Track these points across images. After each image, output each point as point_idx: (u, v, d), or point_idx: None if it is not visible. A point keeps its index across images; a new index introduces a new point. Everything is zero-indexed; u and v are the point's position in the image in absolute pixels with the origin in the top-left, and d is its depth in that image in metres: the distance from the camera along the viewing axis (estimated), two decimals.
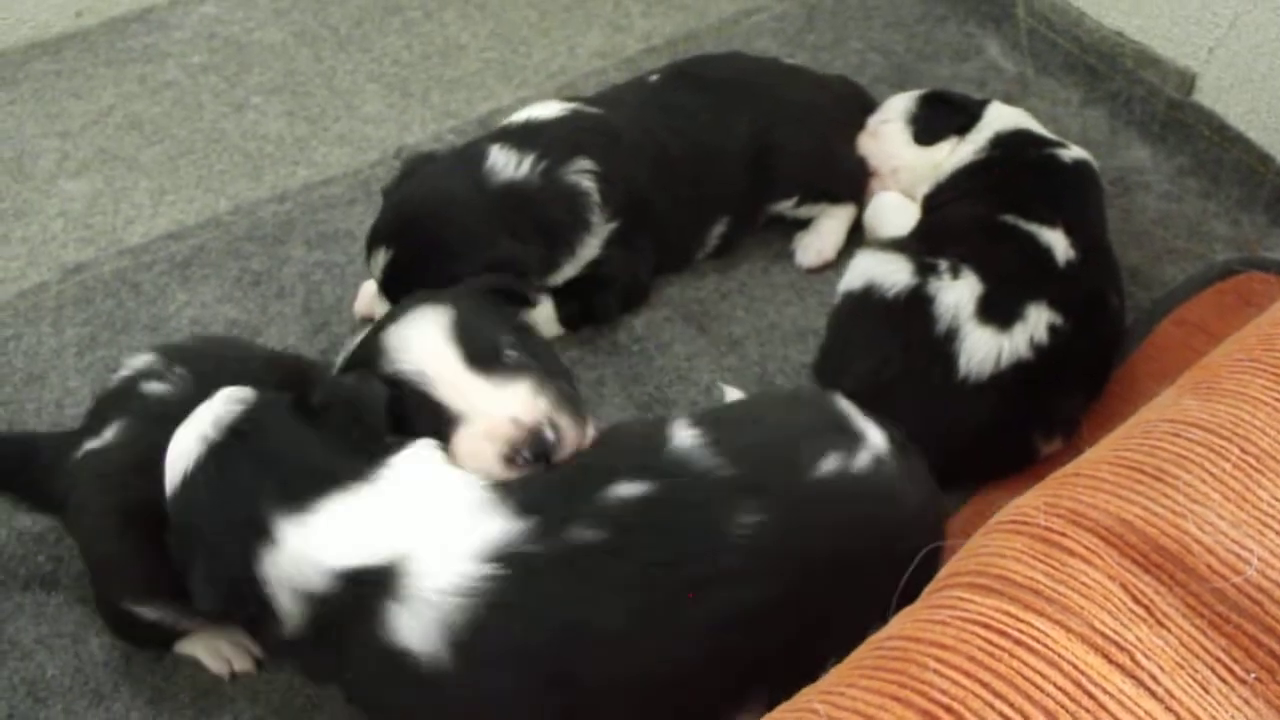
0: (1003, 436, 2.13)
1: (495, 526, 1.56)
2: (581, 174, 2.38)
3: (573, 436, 1.72)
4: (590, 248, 2.43)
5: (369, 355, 1.79)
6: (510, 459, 1.69)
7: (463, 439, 1.70)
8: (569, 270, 2.44)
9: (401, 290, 2.32)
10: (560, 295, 2.50)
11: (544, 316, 2.51)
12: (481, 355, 1.75)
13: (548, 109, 2.49)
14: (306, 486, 1.56)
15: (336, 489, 1.56)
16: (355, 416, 1.64)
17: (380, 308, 2.43)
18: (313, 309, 2.66)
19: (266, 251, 2.80)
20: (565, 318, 2.52)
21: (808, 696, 1.14)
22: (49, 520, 2.19)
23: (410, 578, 1.51)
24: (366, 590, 1.51)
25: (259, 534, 1.53)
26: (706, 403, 2.38)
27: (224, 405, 1.65)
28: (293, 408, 1.65)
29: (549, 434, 1.69)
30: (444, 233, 2.31)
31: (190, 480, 1.60)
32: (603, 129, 2.45)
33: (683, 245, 2.64)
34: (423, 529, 1.55)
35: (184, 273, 2.74)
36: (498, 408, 1.71)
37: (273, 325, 2.62)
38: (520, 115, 2.50)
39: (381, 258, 2.33)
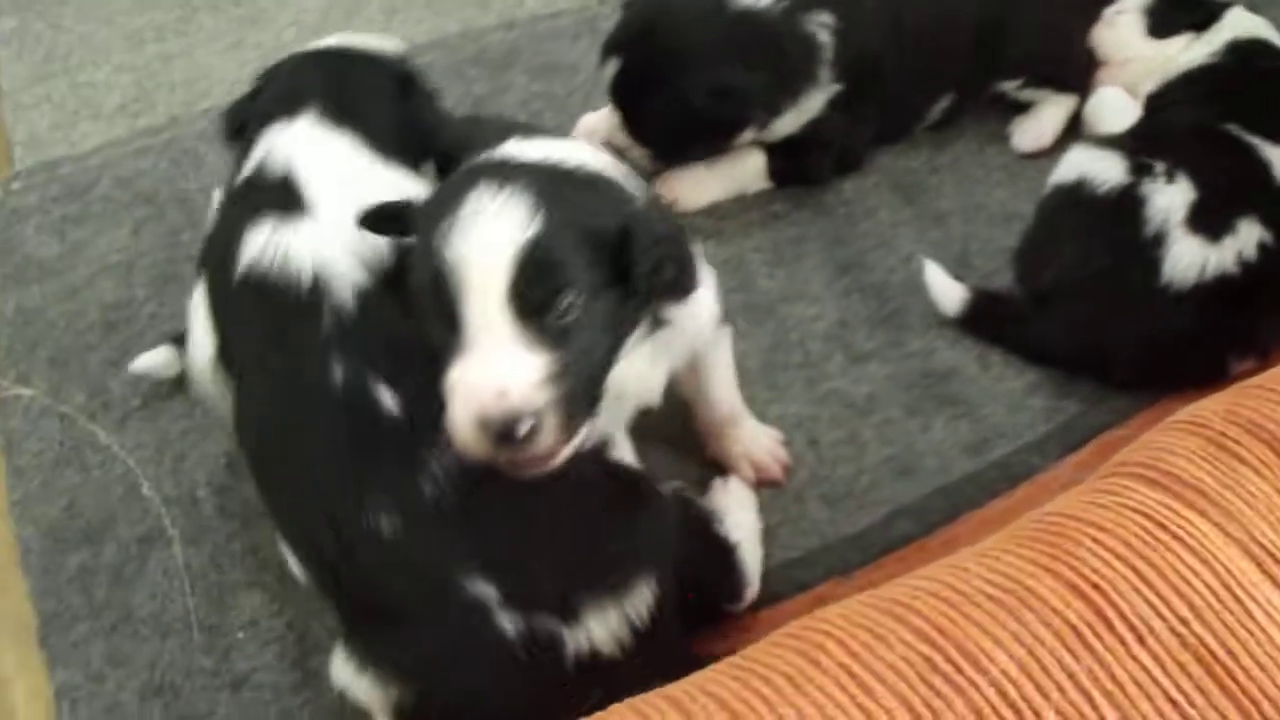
0: (1196, 349, 2.10)
1: None
2: (821, 26, 2.38)
3: (549, 444, 1.46)
4: (814, 102, 2.44)
5: (433, 204, 1.54)
6: (479, 425, 1.43)
7: (452, 379, 1.45)
8: (789, 122, 2.45)
9: (628, 101, 2.43)
10: (774, 149, 2.51)
11: (754, 169, 2.54)
12: (532, 299, 1.45)
13: None
14: None
15: None
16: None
17: (611, 118, 2.51)
18: None
19: (490, 76, 2.86)
20: (775, 172, 2.54)
21: (965, 556, 1.18)
22: None
23: None
24: None
25: None
26: (904, 273, 2.39)
27: None
28: None
29: (522, 428, 1.43)
30: (674, 47, 2.36)
31: None
32: None
33: (905, 116, 2.64)
34: None
35: None
36: (498, 367, 1.44)
37: None
38: None
39: (612, 66, 2.41)
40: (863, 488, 2.08)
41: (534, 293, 1.44)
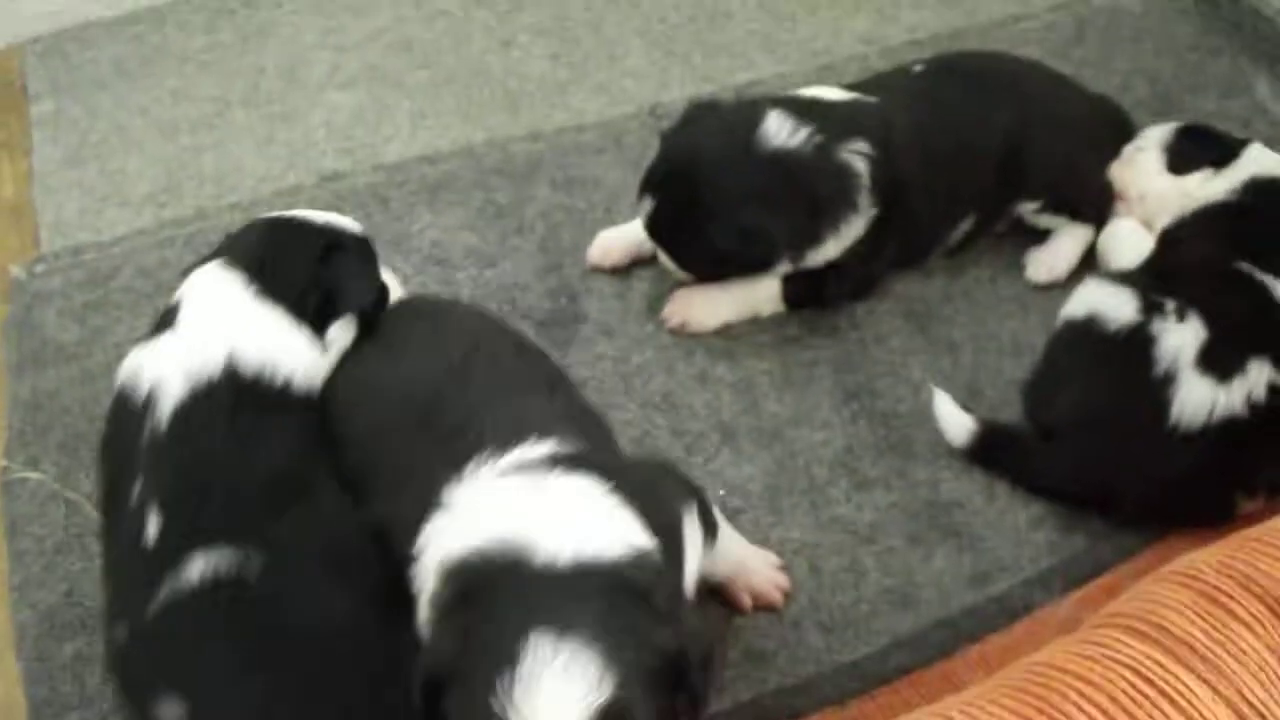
0: (1203, 490, 2.10)
1: None
2: (856, 155, 2.42)
3: None
4: (855, 228, 2.46)
5: (478, 659, 1.38)
6: None
7: None
8: (832, 249, 2.47)
9: (664, 239, 2.48)
10: (789, 276, 2.53)
11: (768, 292, 2.55)
12: None
13: (829, 92, 2.55)
14: None
15: None
16: None
17: (621, 251, 2.60)
18: (549, 248, 2.74)
19: (513, 186, 2.89)
20: (790, 296, 2.56)
21: (949, 704, 1.18)
22: None
23: None
24: None
25: None
26: (913, 402, 2.40)
27: None
28: None
29: None
30: (703, 191, 2.39)
31: None
32: (881, 119, 2.48)
33: (929, 240, 2.66)
34: None
35: (432, 195, 2.86)
36: None
37: (508, 259, 2.71)
38: (806, 91, 2.55)
39: (647, 204, 2.45)
40: (861, 616, 2.07)
41: None
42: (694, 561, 1.75)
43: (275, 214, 2.19)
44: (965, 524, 2.20)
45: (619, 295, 2.62)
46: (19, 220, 2.94)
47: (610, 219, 2.71)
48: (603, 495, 1.57)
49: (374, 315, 2.07)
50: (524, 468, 1.62)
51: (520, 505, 1.54)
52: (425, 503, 1.62)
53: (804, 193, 2.39)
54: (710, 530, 1.88)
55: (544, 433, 1.68)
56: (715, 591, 2.06)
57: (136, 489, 1.74)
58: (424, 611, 1.55)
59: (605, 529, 1.51)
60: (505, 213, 2.82)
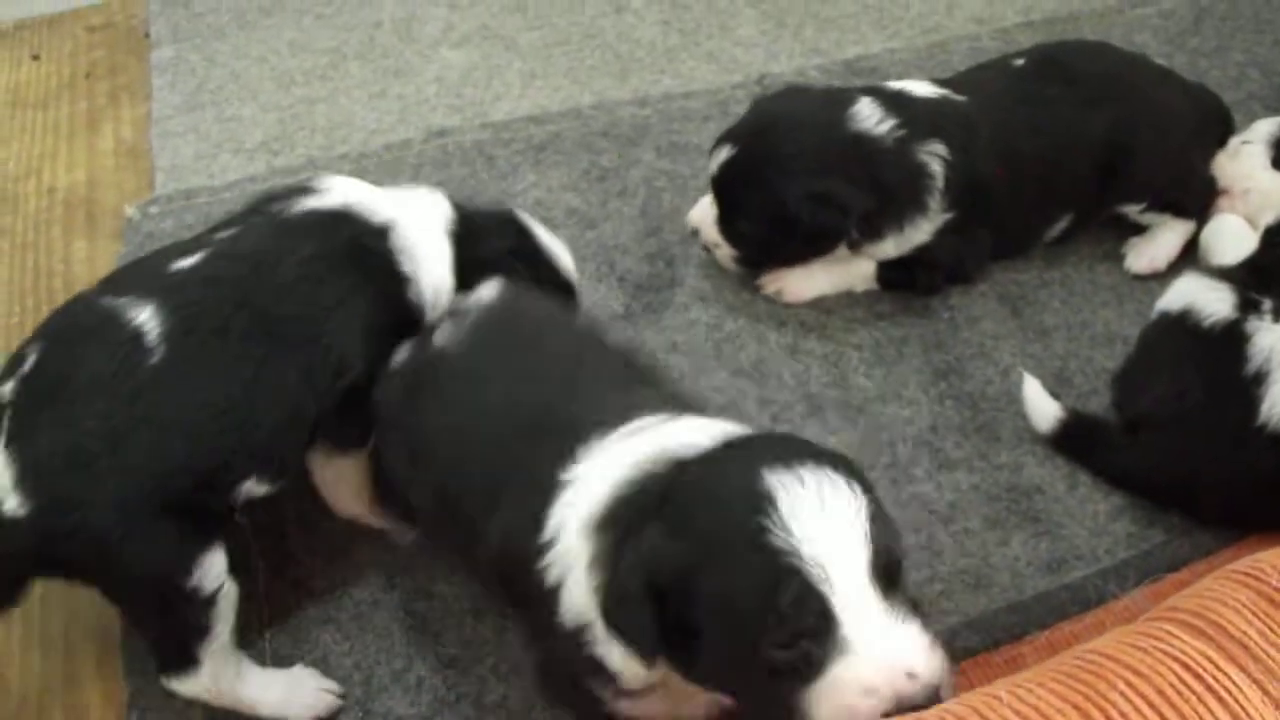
0: None
1: None
2: (933, 156, 2.42)
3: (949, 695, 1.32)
4: (920, 231, 2.47)
5: (730, 496, 1.37)
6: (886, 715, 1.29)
7: (839, 680, 1.29)
8: (891, 247, 2.49)
9: (729, 191, 2.49)
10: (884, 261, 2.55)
11: (864, 272, 2.57)
12: (885, 569, 1.33)
13: (920, 87, 2.54)
14: None
15: None
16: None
17: (709, 210, 2.56)
18: (649, 212, 2.78)
19: (618, 150, 2.93)
20: (885, 280, 2.58)
21: (999, 685, 1.19)
22: None
23: None
24: None
25: None
26: (1002, 385, 2.41)
27: None
28: None
29: (942, 695, 1.30)
30: (784, 148, 2.41)
31: None
32: (965, 121, 2.48)
33: (1021, 240, 2.66)
34: None
35: (537, 155, 2.91)
36: (894, 650, 1.31)
37: (609, 221, 2.75)
38: (895, 84, 2.55)
39: (723, 154, 2.47)
40: (934, 595, 2.08)
41: (893, 559, 1.34)
42: None
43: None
44: (1045, 510, 2.20)
45: (715, 263, 2.64)
46: (136, 162, 3.05)
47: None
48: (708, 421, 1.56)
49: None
50: (641, 430, 1.57)
51: (651, 438, 1.53)
52: (536, 498, 1.58)
53: (876, 181, 2.40)
54: None
55: (653, 411, 1.62)
56: None
57: None
58: (579, 586, 1.48)
59: (737, 429, 1.53)
60: (609, 175, 2.86)
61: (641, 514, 1.41)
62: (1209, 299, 2.18)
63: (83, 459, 1.70)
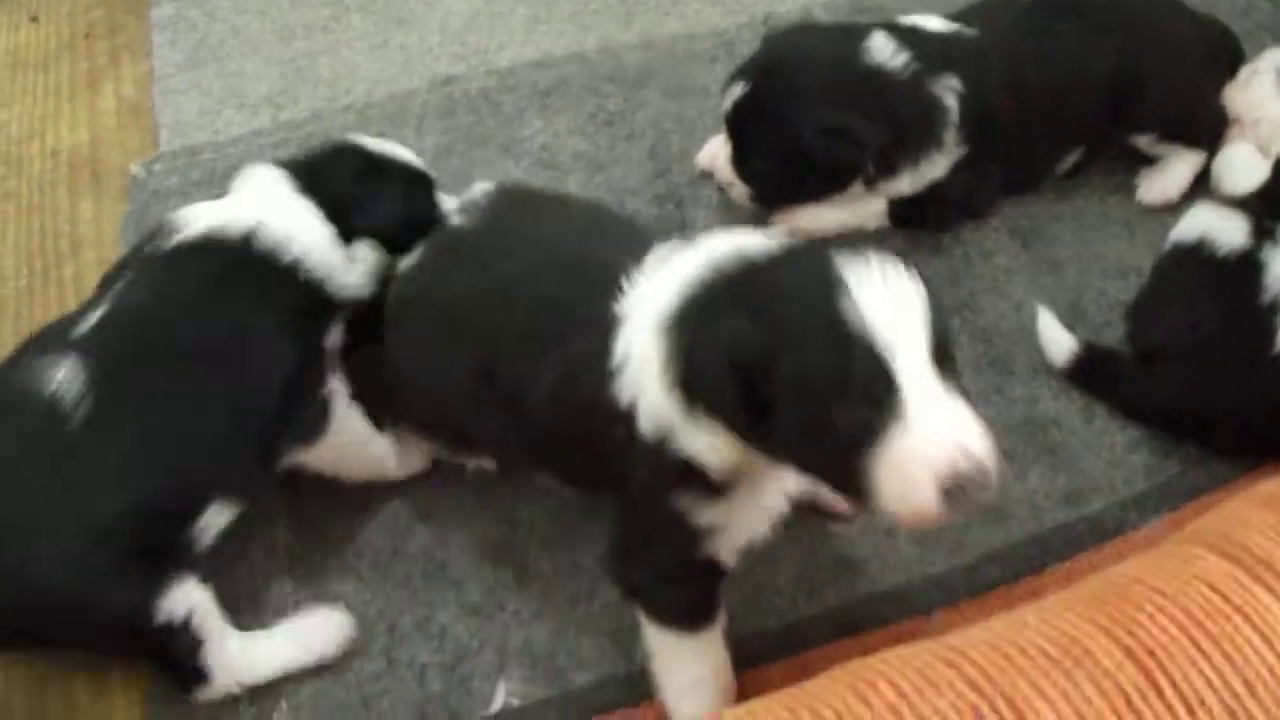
0: None
1: None
2: (948, 90, 2.40)
3: (994, 493, 1.40)
4: (936, 166, 2.46)
5: (805, 280, 1.45)
6: (946, 492, 1.36)
7: (900, 447, 1.37)
8: (906, 183, 2.48)
9: (743, 128, 2.46)
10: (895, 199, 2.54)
11: (874, 209, 2.56)
12: (941, 352, 1.42)
13: (933, 22, 2.52)
14: None
15: None
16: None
17: (724, 148, 2.54)
18: (658, 154, 2.76)
19: (624, 93, 2.91)
20: (896, 217, 2.56)
21: (1026, 610, 1.20)
22: None
23: None
24: None
25: None
26: (1015, 319, 2.40)
27: None
28: None
29: (992, 481, 1.38)
30: (798, 81, 2.39)
31: None
32: (978, 55, 2.46)
33: (1031, 173, 2.64)
34: None
35: (543, 101, 2.89)
36: (950, 422, 1.39)
37: (617, 165, 2.74)
38: (907, 19, 2.53)
39: (737, 89, 2.45)
40: (954, 529, 2.07)
41: (947, 346, 1.43)
42: None
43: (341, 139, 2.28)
44: (1062, 443, 2.20)
45: (725, 203, 2.63)
46: (139, 120, 3.03)
47: (720, 127, 2.69)
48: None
49: (405, 243, 2.12)
50: (692, 249, 1.65)
51: (715, 246, 1.60)
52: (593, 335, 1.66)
53: (892, 116, 2.38)
54: None
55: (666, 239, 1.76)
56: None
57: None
58: (654, 392, 1.57)
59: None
60: (615, 119, 2.85)
61: (718, 304, 1.51)
62: (1224, 228, 2.17)
63: (14, 531, 1.71)
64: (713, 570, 1.73)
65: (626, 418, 1.60)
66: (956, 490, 1.36)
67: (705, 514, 1.64)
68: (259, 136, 2.90)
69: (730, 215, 2.60)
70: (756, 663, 1.89)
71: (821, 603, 2.00)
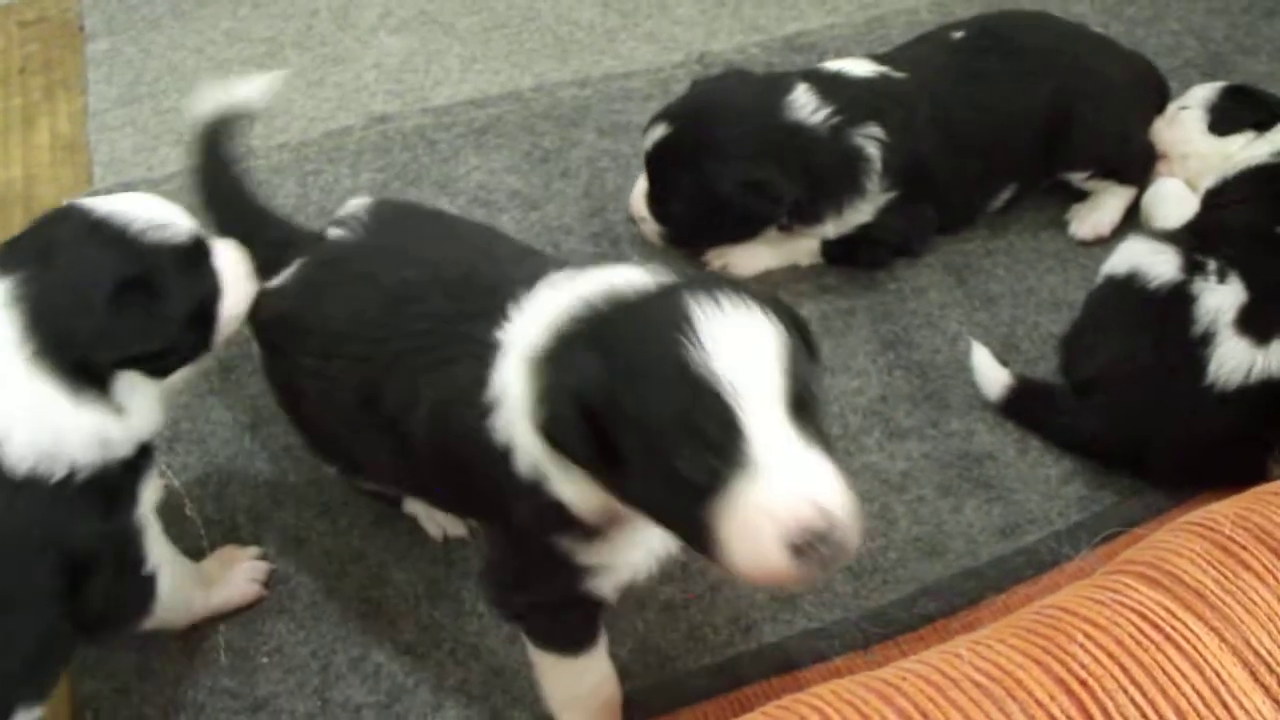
0: (1236, 451, 2.10)
1: None
2: (869, 139, 2.42)
3: (852, 550, 1.33)
4: (860, 212, 2.48)
5: (653, 321, 1.38)
6: (797, 549, 1.28)
7: (745, 500, 1.30)
8: (830, 229, 2.50)
9: (661, 170, 2.48)
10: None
11: (807, 248, 2.58)
12: (798, 399, 1.34)
13: (859, 67, 2.54)
14: None
15: None
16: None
17: (640, 184, 2.56)
18: (593, 193, 2.76)
19: (559, 132, 2.91)
20: (829, 255, 2.58)
21: (959, 643, 1.20)
22: None
23: None
24: None
25: None
26: (950, 353, 2.41)
27: None
28: None
29: (847, 538, 1.31)
30: (718, 132, 2.41)
31: None
32: (903, 100, 2.48)
33: (965, 211, 2.66)
34: None
35: (479, 139, 2.88)
36: (799, 473, 1.31)
37: (553, 201, 2.74)
38: (833, 65, 2.55)
39: (657, 132, 2.46)
40: (890, 564, 2.09)
41: (806, 393, 1.35)
42: None
43: (83, 209, 1.71)
44: (997, 476, 2.21)
45: (655, 242, 2.62)
46: (73, 156, 3.00)
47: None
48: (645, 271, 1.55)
49: (189, 352, 1.78)
50: (576, 278, 1.57)
51: (591, 281, 1.53)
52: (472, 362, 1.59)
53: (811, 170, 2.40)
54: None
55: (560, 268, 1.64)
56: None
57: None
58: (527, 432, 1.49)
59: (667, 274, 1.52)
60: (551, 157, 2.85)
61: (577, 342, 1.45)
62: (1154, 261, 2.20)
63: None
64: (594, 602, 1.69)
65: (503, 455, 1.54)
66: (807, 547, 1.28)
67: (586, 554, 1.60)
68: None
69: (665, 254, 2.60)
70: (692, 700, 1.89)
71: (758, 639, 2.00)
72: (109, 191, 2.74)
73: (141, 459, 1.73)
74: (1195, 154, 2.58)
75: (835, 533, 1.29)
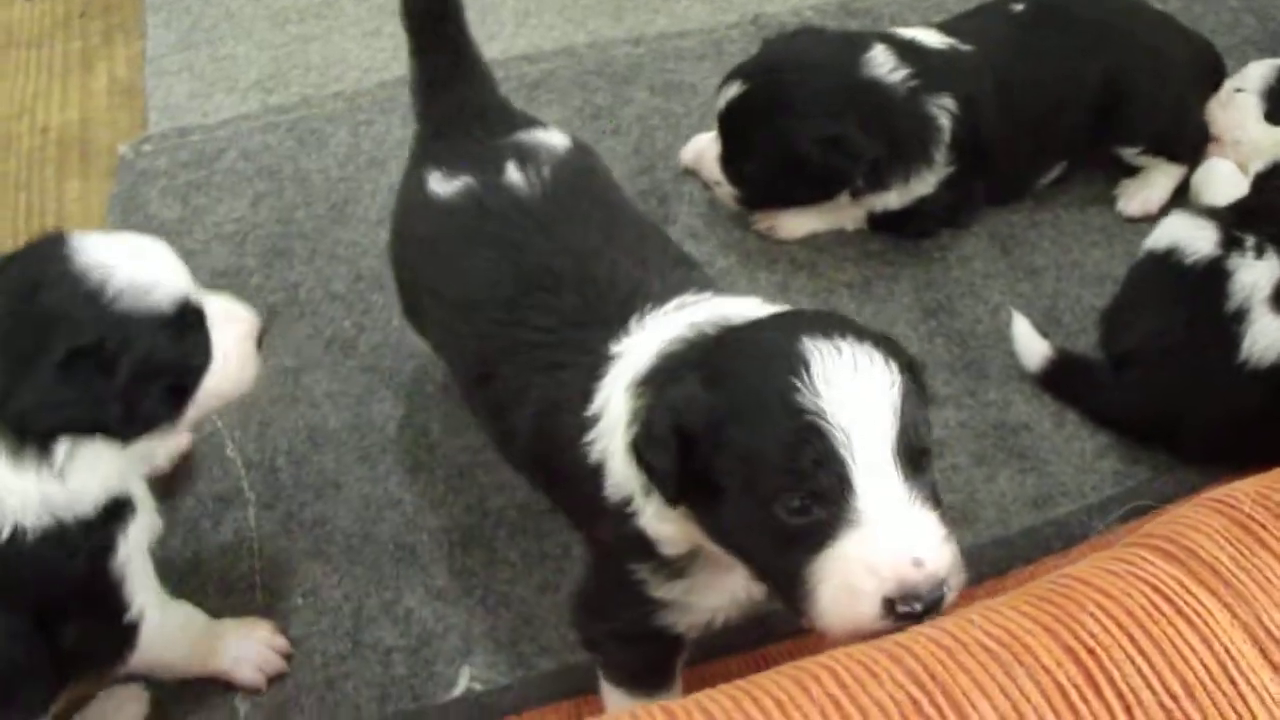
0: (1268, 429, 2.05)
1: None
2: (942, 110, 2.43)
3: (954, 599, 1.34)
4: (925, 183, 2.49)
5: (766, 354, 1.37)
6: (889, 606, 1.28)
7: (847, 554, 1.28)
8: (894, 198, 2.50)
9: (735, 130, 2.47)
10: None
11: (854, 212, 2.58)
12: (909, 450, 1.32)
13: (930, 37, 2.53)
14: None
15: None
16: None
17: (712, 147, 2.55)
18: (643, 150, 2.78)
19: (612, 89, 2.93)
20: (876, 223, 2.59)
21: (973, 608, 1.21)
22: (357, 288, 2.47)
23: None
24: None
25: None
26: (991, 323, 2.41)
27: None
28: None
29: (948, 596, 1.31)
30: (797, 90, 2.41)
31: None
32: (972, 74, 2.48)
33: (1017, 186, 2.66)
34: None
35: (531, 93, 2.90)
36: (904, 535, 1.30)
37: (603, 158, 2.74)
38: (906, 32, 2.54)
39: (732, 90, 2.46)
40: None
41: (918, 443, 1.33)
42: None
43: (69, 254, 1.64)
44: (1032, 447, 2.22)
45: (708, 200, 2.65)
46: (130, 101, 3.05)
47: (706, 125, 2.71)
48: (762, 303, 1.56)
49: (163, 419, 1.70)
50: (696, 302, 1.59)
51: (707, 308, 1.55)
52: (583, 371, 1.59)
53: (889, 129, 2.40)
54: None
55: (701, 289, 1.64)
56: None
57: None
58: (620, 454, 1.48)
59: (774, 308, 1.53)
60: (602, 114, 2.86)
61: (682, 367, 1.43)
62: (1193, 236, 2.19)
63: None
64: (671, 640, 1.66)
65: (595, 472, 1.52)
66: (902, 604, 1.28)
67: (663, 589, 1.57)
68: (248, 120, 2.92)
69: (713, 213, 2.62)
70: (717, 654, 1.90)
71: None
72: (163, 136, 2.80)
73: (116, 512, 1.67)
74: (1247, 140, 2.57)
75: (935, 591, 1.29)
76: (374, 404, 2.31)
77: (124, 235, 1.70)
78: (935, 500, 1.35)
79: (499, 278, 1.76)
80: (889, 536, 1.28)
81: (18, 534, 1.57)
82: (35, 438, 1.56)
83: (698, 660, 1.85)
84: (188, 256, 2.51)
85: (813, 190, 2.49)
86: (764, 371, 1.33)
